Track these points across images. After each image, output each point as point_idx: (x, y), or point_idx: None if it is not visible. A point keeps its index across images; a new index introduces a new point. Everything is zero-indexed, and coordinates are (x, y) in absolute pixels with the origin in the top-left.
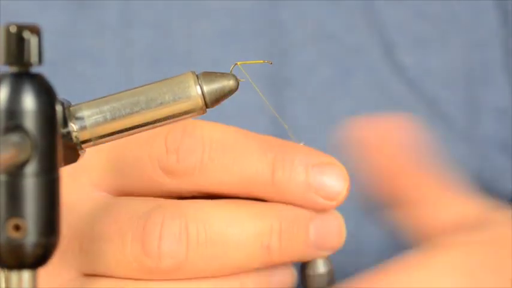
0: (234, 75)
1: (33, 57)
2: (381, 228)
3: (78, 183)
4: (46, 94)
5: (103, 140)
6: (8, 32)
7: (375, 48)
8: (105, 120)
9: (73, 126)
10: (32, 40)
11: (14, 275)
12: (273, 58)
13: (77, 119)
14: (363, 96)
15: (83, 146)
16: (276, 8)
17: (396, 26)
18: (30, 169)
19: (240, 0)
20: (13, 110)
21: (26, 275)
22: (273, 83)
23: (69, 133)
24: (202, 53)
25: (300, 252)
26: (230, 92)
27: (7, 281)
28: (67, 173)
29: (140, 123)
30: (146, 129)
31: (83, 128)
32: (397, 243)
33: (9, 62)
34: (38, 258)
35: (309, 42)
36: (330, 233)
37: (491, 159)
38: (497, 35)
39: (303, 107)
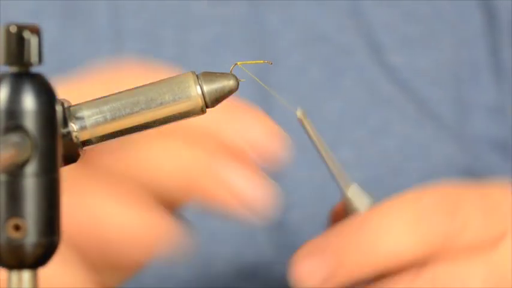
0: (234, 75)
1: (33, 57)
2: None
3: None
4: (46, 94)
5: (103, 140)
6: (8, 32)
7: (364, 49)
8: (105, 120)
9: (73, 126)
10: (32, 40)
11: (14, 275)
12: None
13: (77, 119)
14: (353, 97)
15: (84, 146)
16: (264, 12)
17: (384, 26)
18: (30, 169)
19: (229, 7)
20: (13, 110)
21: (26, 275)
22: (263, 87)
23: (69, 133)
24: (193, 60)
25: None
26: (230, 92)
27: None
28: None
29: (140, 123)
30: (146, 130)
31: (83, 128)
32: None
33: (9, 62)
34: (38, 258)
35: (298, 45)
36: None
37: (482, 157)
38: (482, 34)
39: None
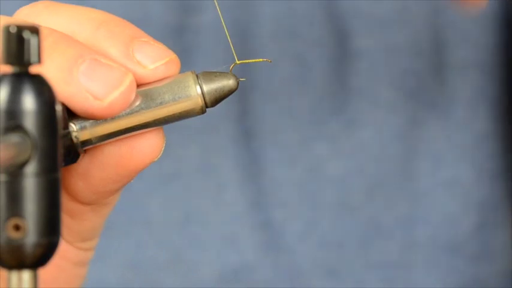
0: (233, 75)
1: (33, 57)
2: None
3: None
4: (46, 94)
5: (103, 140)
6: (8, 32)
7: (333, 40)
8: (105, 120)
9: (73, 127)
10: (32, 40)
11: (14, 275)
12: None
13: (77, 119)
14: (323, 91)
15: (83, 146)
16: (235, 10)
17: (353, 11)
18: (30, 169)
19: None
20: (13, 110)
21: (26, 275)
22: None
23: (69, 133)
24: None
25: None
26: (230, 92)
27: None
28: None
29: (140, 123)
30: (146, 129)
31: (83, 128)
32: (377, 234)
33: (9, 62)
34: (38, 258)
35: (269, 41)
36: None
37: None
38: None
39: (266, 107)
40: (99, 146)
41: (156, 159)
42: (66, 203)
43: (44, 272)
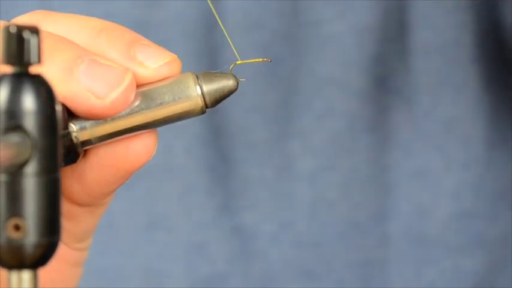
0: (233, 75)
1: (33, 57)
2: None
3: None
4: (46, 94)
5: (103, 140)
6: (8, 32)
7: (299, 30)
8: (105, 121)
9: (73, 127)
10: (32, 40)
11: (14, 275)
12: (204, 57)
13: (77, 119)
14: (292, 82)
15: (83, 146)
16: (201, 7)
17: None
18: (30, 169)
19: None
20: (13, 110)
21: (26, 275)
22: None
23: (69, 133)
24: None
25: None
26: (230, 92)
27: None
28: None
29: (140, 123)
30: (146, 130)
31: (82, 128)
32: (356, 232)
33: (9, 62)
34: (38, 258)
35: (238, 35)
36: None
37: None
38: None
39: (236, 103)
40: (94, 148)
41: (150, 159)
42: (63, 206)
43: (41, 274)
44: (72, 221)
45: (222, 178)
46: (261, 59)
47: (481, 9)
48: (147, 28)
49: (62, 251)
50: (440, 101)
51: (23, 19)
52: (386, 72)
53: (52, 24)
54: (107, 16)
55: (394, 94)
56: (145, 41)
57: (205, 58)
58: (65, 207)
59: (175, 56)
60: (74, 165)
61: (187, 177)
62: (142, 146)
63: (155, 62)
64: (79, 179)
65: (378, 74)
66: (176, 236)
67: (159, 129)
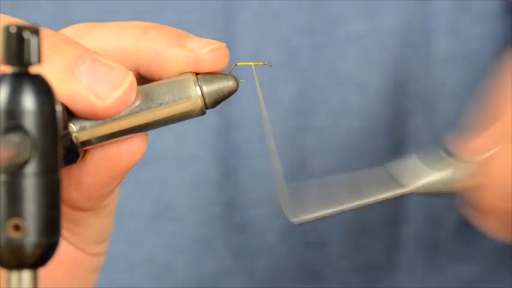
0: (233, 76)
1: (33, 57)
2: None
3: None
4: (46, 94)
5: (103, 140)
6: (8, 32)
7: (320, 25)
8: (105, 121)
9: (73, 127)
10: (32, 40)
11: (14, 275)
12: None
13: (77, 119)
14: (310, 77)
15: (83, 146)
16: None
17: None
18: (30, 169)
19: None
20: (13, 110)
21: (26, 275)
22: None
23: (69, 133)
24: None
25: None
26: (230, 93)
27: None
28: None
29: (140, 123)
30: (146, 130)
31: (82, 129)
32: (365, 234)
33: (9, 62)
34: (38, 258)
35: (254, 25)
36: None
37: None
38: None
39: (249, 94)
40: (88, 152)
41: (143, 155)
42: (67, 213)
43: (60, 282)
44: (81, 226)
45: (233, 171)
46: (261, 63)
47: (509, 20)
48: (163, 12)
49: (80, 259)
50: (461, 109)
51: (66, 33)
52: (407, 76)
53: (99, 31)
54: (126, 6)
55: (413, 99)
56: (192, 35)
57: None
58: (70, 214)
59: (224, 44)
60: (69, 172)
61: (198, 168)
62: (134, 144)
63: (204, 48)
64: (76, 185)
65: (397, 77)
66: (183, 228)
67: None
